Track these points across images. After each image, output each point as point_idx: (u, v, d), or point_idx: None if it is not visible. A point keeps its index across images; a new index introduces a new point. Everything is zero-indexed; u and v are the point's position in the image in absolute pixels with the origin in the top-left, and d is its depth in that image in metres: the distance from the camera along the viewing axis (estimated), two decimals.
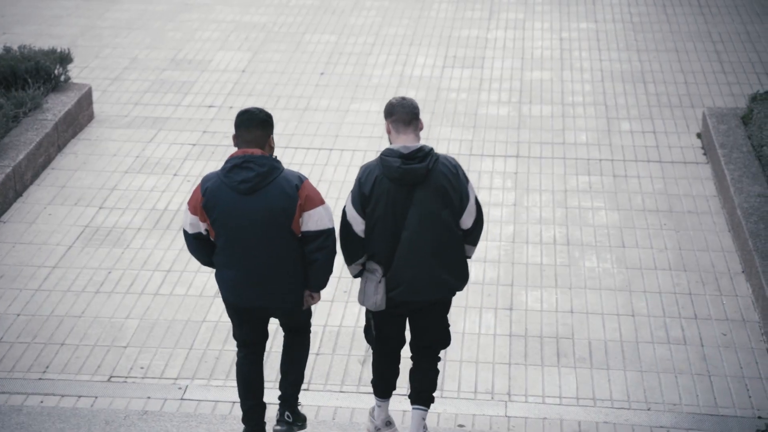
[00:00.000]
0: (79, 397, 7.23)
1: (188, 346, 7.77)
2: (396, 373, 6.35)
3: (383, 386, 6.31)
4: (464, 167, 10.25)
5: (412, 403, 6.28)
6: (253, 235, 5.61)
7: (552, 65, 12.66)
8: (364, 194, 5.73)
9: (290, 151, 10.59)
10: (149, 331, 7.94)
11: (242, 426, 6.20)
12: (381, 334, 6.11)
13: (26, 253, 8.89)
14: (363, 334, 6.34)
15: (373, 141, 10.81)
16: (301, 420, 6.29)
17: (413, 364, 6.30)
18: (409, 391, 6.39)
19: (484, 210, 9.45)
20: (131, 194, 9.84)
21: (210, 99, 11.82)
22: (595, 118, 11.36)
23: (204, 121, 11.29)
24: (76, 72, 12.38)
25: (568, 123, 11.26)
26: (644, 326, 8.02)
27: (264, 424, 6.10)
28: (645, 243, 9.09)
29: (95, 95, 11.80)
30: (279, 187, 5.58)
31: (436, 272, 5.83)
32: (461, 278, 6.00)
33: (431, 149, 5.79)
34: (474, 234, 5.97)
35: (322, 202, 5.70)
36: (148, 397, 7.23)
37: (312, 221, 5.66)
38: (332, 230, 5.74)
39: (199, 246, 5.82)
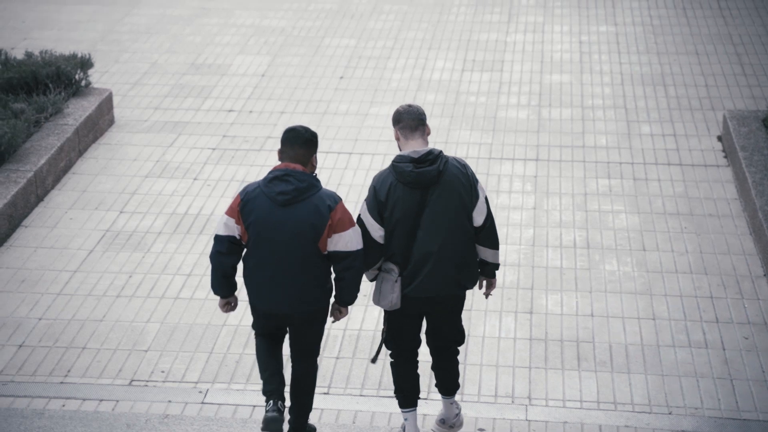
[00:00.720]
0: (101, 400, 7.25)
1: (209, 350, 7.79)
2: (417, 378, 6.46)
3: (408, 392, 6.40)
4: (484, 171, 10.26)
5: (441, 394, 6.56)
6: (282, 245, 5.89)
7: (571, 68, 12.64)
8: (380, 201, 5.96)
9: None
10: (170, 334, 7.96)
11: (263, 397, 6.40)
12: (398, 335, 6.27)
13: (47, 258, 8.93)
14: (383, 343, 6.42)
15: (392, 145, 10.81)
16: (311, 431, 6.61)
17: (433, 362, 6.49)
18: (436, 384, 6.58)
19: (504, 213, 9.45)
20: (151, 198, 9.87)
21: (229, 103, 11.85)
22: (615, 121, 11.34)
23: (224, 126, 11.32)
24: (96, 77, 12.44)
25: (588, 126, 11.23)
26: (665, 330, 7.99)
27: (283, 390, 6.23)
28: (666, 246, 9.07)
29: (115, 100, 11.85)
30: (313, 204, 5.86)
31: (450, 269, 6.05)
32: (473, 276, 6.21)
33: (440, 152, 6.00)
34: (488, 234, 6.15)
35: (352, 224, 5.95)
36: (169, 401, 7.24)
37: (342, 242, 5.92)
38: (360, 252, 5.97)
39: (225, 250, 6.02)
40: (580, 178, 10.19)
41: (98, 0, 15.05)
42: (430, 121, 11.25)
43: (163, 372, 7.55)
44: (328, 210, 5.89)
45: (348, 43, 13.48)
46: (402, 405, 6.44)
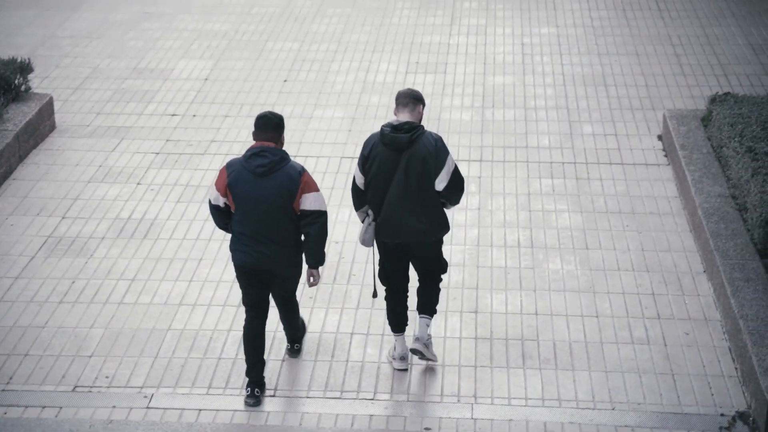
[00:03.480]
0: (44, 407, 7.18)
1: (153, 355, 7.74)
2: (405, 309, 7.55)
3: (396, 321, 7.53)
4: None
5: (419, 313, 7.53)
6: (264, 209, 6.98)
7: (514, 70, 12.73)
8: (364, 155, 7.18)
9: None
10: (114, 340, 7.91)
11: (246, 379, 7.37)
12: (384, 272, 7.43)
13: None
14: (378, 279, 7.56)
15: (337, 147, 10.83)
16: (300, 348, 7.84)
17: (419, 285, 7.56)
18: (417, 304, 7.57)
19: (448, 214, 9.49)
20: (94, 204, 9.80)
21: (173, 107, 11.79)
22: (558, 121, 11.43)
23: (167, 130, 11.26)
24: (36, 82, 12.32)
25: (531, 127, 11.32)
26: (608, 327, 8.07)
27: (263, 377, 7.36)
28: (608, 244, 9.16)
29: (57, 105, 11.74)
30: (286, 173, 6.99)
31: (411, 221, 7.16)
32: (435, 228, 7.25)
33: (418, 125, 7.16)
34: (450, 196, 7.23)
35: (317, 189, 7.08)
36: (114, 407, 7.20)
37: (308, 202, 7.02)
38: (323, 213, 7.07)
39: (219, 214, 7.17)
40: (523, 179, 10.26)
41: (39, 4, 14.90)
42: (372, 123, 11.28)
43: (107, 377, 7.49)
44: (298, 175, 7.00)
45: (291, 47, 13.47)
46: (393, 330, 7.57)
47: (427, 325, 7.51)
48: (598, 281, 8.64)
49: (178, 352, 7.77)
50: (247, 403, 7.25)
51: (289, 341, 7.77)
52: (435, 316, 7.79)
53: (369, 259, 8.85)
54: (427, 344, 7.51)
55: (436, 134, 7.24)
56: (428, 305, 7.53)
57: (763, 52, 13.12)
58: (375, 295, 7.51)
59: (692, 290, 8.52)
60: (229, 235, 8.46)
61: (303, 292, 8.40)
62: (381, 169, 7.12)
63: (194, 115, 11.59)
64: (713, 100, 10.65)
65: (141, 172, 10.38)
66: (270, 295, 7.36)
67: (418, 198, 7.11)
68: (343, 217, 9.57)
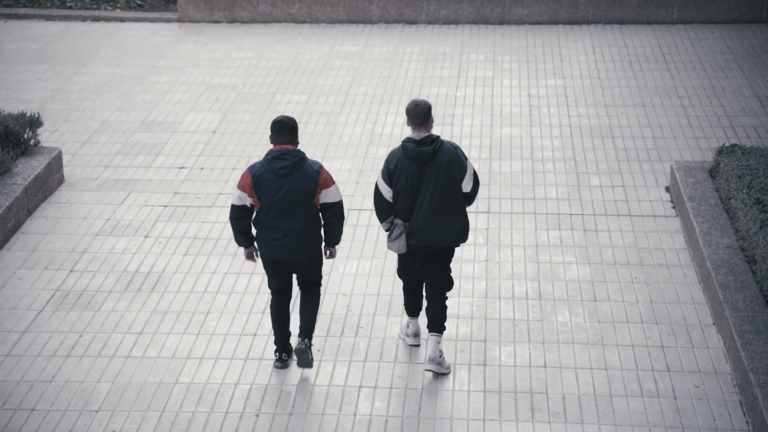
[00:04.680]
0: None
1: (161, 409, 7.71)
2: (420, 299, 8.32)
3: (412, 306, 8.33)
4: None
5: (430, 331, 8.09)
6: (287, 206, 7.73)
7: (521, 121, 12.77)
8: (390, 170, 7.83)
9: None
10: (121, 394, 7.88)
11: (274, 347, 8.25)
12: (405, 270, 8.19)
13: None
14: (397, 275, 8.61)
15: (345, 199, 10.84)
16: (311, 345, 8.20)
17: (428, 303, 8.16)
18: (428, 323, 8.13)
19: (456, 266, 9.51)
20: (102, 257, 9.81)
21: (181, 160, 11.84)
22: (565, 173, 11.45)
23: (175, 183, 11.30)
24: (45, 136, 12.39)
25: (538, 178, 11.33)
26: (617, 380, 8.02)
27: (290, 344, 8.23)
28: (616, 296, 9.13)
29: (65, 158, 11.80)
30: (306, 171, 7.75)
31: (442, 226, 7.87)
32: (461, 233, 7.96)
33: (438, 137, 7.82)
34: (472, 195, 7.99)
35: (334, 183, 7.86)
36: None
37: (329, 196, 7.83)
38: (341, 203, 7.91)
39: (243, 215, 7.83)
40: (531, 230, 10.26)
41: (48, 59, 15.02)
42: None
43: None
44: (316, 174, 7.77)
45: (299, 99, 13.54)
46: (409, 314, 8.37)
47: (438, 343, 8.04)
48: (606, 333, 8.60)
49: (186, 406, 7.73)
50: (276, 366, 8.14)
51: (301, 334, 8.02)
52: (444, 362, 7.77)
53: (378, 311, 8.84)
54: (441, 362, 8.05)
55: (452, 142, 8.04)
56: (438, 323, 8.08)
57: None
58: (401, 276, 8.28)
59: (702, 342, 8.47)
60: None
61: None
62: (408, 182, 7.80)
63: (202, 168, 11.63)
64: (720, 151, 10.66)
65: (149, 225, 10.40)
66: (292, 282, 8.11)
67: (447, 204, 7.83)
68: (350, 270, 9.57)
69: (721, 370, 8.12)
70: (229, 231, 10.25)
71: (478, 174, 8.45)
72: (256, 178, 7.72)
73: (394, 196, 7.87)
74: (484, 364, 8.22)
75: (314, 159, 7.94)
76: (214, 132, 12.56)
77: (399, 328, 8.65)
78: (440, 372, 8.03)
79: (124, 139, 12.38)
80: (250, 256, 8.04)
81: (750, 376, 7.56)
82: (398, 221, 7.92)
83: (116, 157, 11.92)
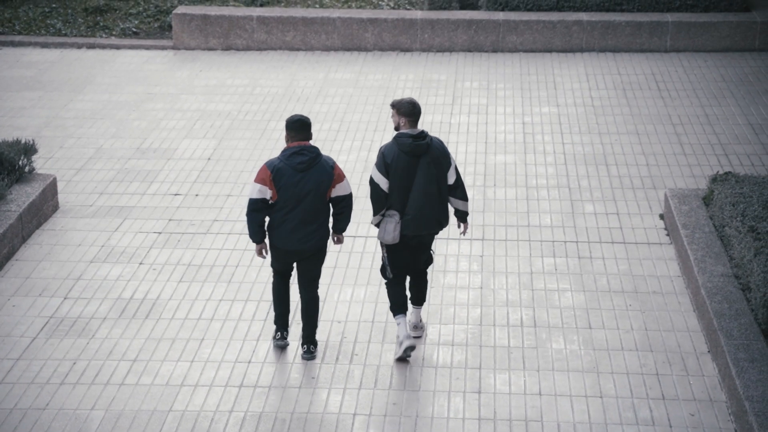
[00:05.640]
0: None
1: None
2: (405, 296, 8.70)
3: (398, 305, 8.68)
4: (433, 248, 10.33)
5: (414, 305, 8.95)
6: (305, 198, 8.29)
7: (515, 149, 12.80)
8: (387, 163, 8.39)
9: None
10: (115, 422, 7.84)
11: (274, 327, 8.88)
12: (396, 264, 8.62)
13: None
14: (380, 273, 8.83)
15: None
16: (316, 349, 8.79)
17: (411, 283, 8.86)
18: (411, 298, 8.93)
19: (451, 293, 9.51)
20: (96, 284, 9.79)
21: (175, 187, 11.84)
22: (559, 200, 11.47)
23: (169, 209, 11.30)
24: (40, 163, 12.39)
25: (533, 205, 11.35)
26: (612, 408, 8.01)
27: (288, 323, 8.77)
28: (611, 324, 9.13)
29: (60, 185, 11.80)
30: (322, 167, 8.34)
31: (434, 214, 8.49)
32: (447, 220, 8.64)
33: (428, 132, 8.57)
34: (459, 189, 8.61)
35: (345, 177, 8.48)
36: None
37: (342, 189, 8.44)
38: (351, 195, 8.53)
39: (259, 208, 8.30)
40: (525, 257, 10.27)
41: (43, 86, 15.05)
42: None
43: None
44: (331, 169, 8.37)
45: None
46: (394, 313, 8.68)
47: (419, 312, 8.96)
48: (601, 361, 8.59)
49: None
50: (276, 344, 8.71)
51: (305, 342, 8.63)
52: (438, 393, 7.73)
53: (372, 338, 8.83)
54: (422, 326, 8.98)
55: (437, 137, 8.78)
56: (422, 297, 8.91)
57: (763, 132, 13.21)
58: (388, 275, 8.63)
59: (697, 371, 8.47)
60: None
61: (304, 373, 8.37)
62: (403, 174, 8.38)
63: (197, 195, 11.64)
64: (714, 179, 10.68)
65: (143, 251, 10.39)
66: (293, 266, 8.62)
67: (438, 194, 8.46)
68: (345, 297, 9.56)
69: (716, 398, 8.11)
70: (223, 258, 10.25)
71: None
72: (276, 172, 8.24)
73: (390, 188, 8.42)
74: (479, 392, 8.20)
75: (328, 155, 8.60)
76: (209, 159, 12.58)
77: (394, 352, 8.76)
78: (420, 336, 8.93)
79: (119, 166, 12.39)
80: (260, 253, 8.46)
81: (745, 404, 7.56)
82: (392, 212, 8.45)
83: (111, 184, 11.92)
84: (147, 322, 9.15)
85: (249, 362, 8.60)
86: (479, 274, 9.95)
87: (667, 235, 10.68)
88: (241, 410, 7.97)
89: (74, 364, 8.57)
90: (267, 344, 8.84)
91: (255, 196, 8.29)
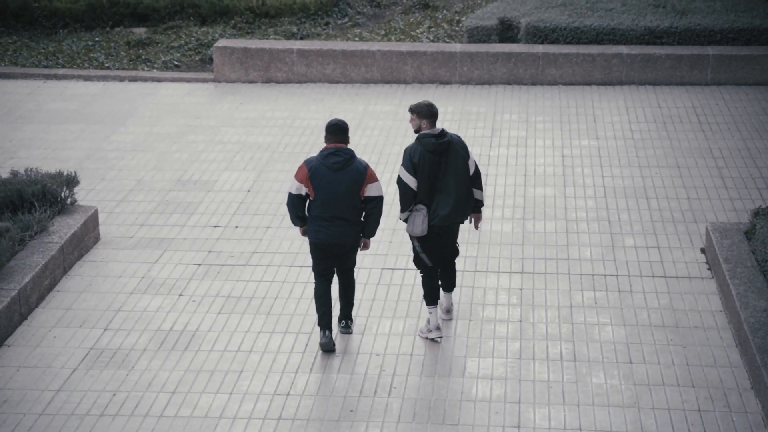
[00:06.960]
0: None
1: None
2: (437, 287, 9.38)
3: (435, 294, 9.33)
4: (469, 284, 10.33)
5: (444, 291, 9.64)
6: (338, 196, 8.88)
7: (555, 182, 12.76)
8: (414, 162, 9.03)
9: (297, 270, 10.61)
10: None
11: (318, 328, 9.31)
12: (426, 253, 9.23)
13: (30, 377, 8.86)
14: (414, 265, 9.53)
15: (378, 258, 10.84)
16: (352, 324, 9.61)
17: (441, 273, 9.51)
18: (442, 285, 9.59)
19: (490, 326, 9.49)
20: (136, 315, 9.84)
21: (215, 219, 11.90)
22: (599, 233, 11.41)
23: (209, 241, 11.35)
24: (82, 194, 12.50)
25: (572, 239, 11.30)
26: None
27: (332, 323, 9.25)
28: (652, 359, 9.04)
29: (101, 217, 11.89)
30: (355, 167, 8.94)
31: (460, 206, 9.14)
32: (470, 211, 9.30)
33: (446, 130, 9.13)
34: (476, 179, 9.32)
35: (377, 179, 9.04)
36: None
37: (373, 190, 9.00)
38: (382, 198, 9.05)
39: (299, 202, 8.99)
40: (565, 291, 10.21)
41: (85, 119, 15.20)
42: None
43: None
44: (365, 170, 8.97)
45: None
46: (428, 304, 9.34)
47: (451, 297, 9.67)
48: (642, 396, 8.51)
49: None
50: (322, 343, 9.15)
51: (342, 318, 9.42)
52: (476, 427, 7.65)
53: (411, 371, 8.80)
54: (452, 309, 9.69)
55: (455, 133, 9.71)
56: (452, 284, 9.62)
57: None
58: (426, 263, 9.26)
59: (740, 407, 8.36)
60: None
61: (343, 406, 8.33)
62: (430, 172, 9.01)
63: (236, 227, 11.69)
64: (757, 213, 10.59)
65: (183, 283, 10.44)
66: (334, 267, 9.18)
67: (464, 186, 9.10)
68: (383, 330, 9.55)
69: None
70: (262, 290, 10.27)
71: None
72: (312, 171, 8.87)
73: (418, 186, 9.03)
74: (519, 426, 8.14)
75: (361, 159, 9.17)
76: (249, 191, 12.64)
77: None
78: (450, 318, 9.61)
79: (160, 197, 12.47)
80: (304, 233, 9.17)
81: None
82: (419, 206, 9.07)
83: (151, 215, 12.00)
84: (186, 354, 9.18)
85: (287, 395, 8.59)
86: (518, 308, 9.91)
87: (709, 269, 10.58)
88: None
89: (114, 395, 8.60)
90: (306, 377, 8.83)
91: (293, 191, 8.98)
